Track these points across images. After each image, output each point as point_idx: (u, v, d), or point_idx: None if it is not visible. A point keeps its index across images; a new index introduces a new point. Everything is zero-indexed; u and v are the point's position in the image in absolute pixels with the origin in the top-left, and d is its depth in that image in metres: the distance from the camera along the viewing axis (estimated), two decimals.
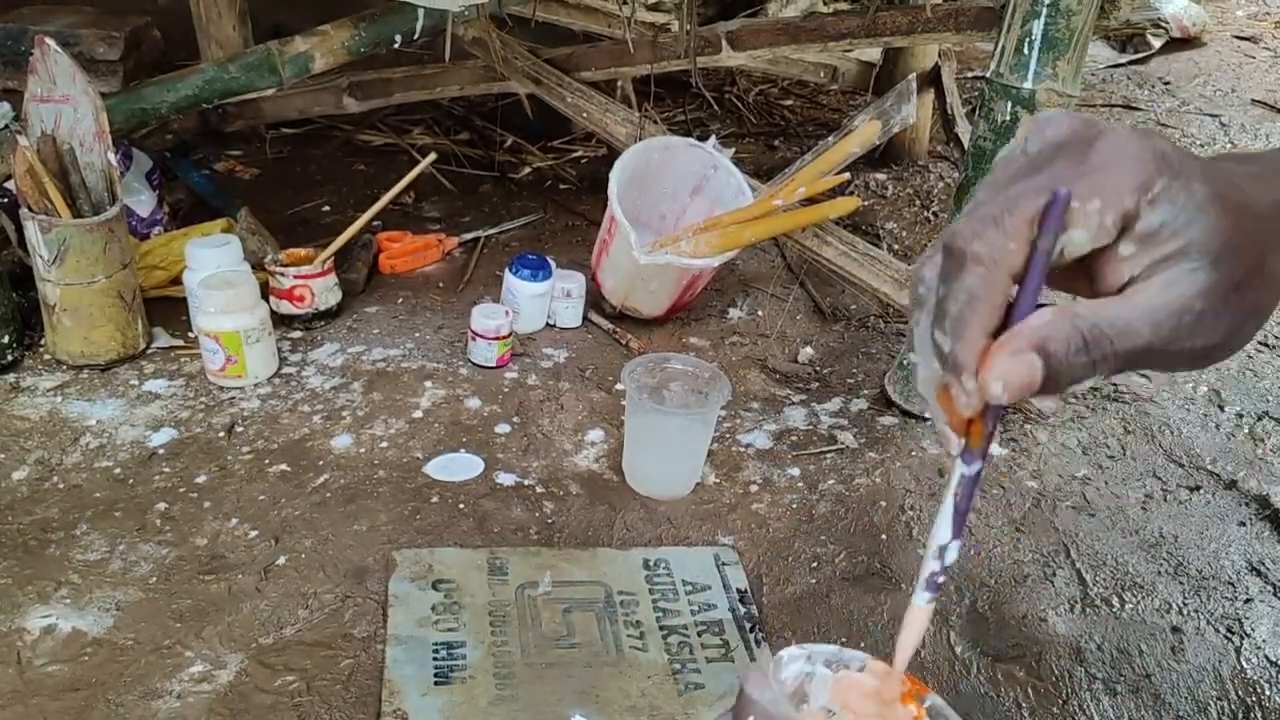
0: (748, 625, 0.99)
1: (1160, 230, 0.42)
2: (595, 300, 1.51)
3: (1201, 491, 1.23)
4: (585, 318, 1.51)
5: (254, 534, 1.08)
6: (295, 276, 1.41)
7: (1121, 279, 0.43)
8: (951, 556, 0.46)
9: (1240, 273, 0.42)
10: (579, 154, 2.09)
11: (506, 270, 1.46)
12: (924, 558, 0.46)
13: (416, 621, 0.97)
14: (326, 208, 1.83)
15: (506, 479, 1.18)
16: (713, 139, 1.54)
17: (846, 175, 1.45)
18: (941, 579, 0.46)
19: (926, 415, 1.31)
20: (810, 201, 1.46)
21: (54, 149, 1.29)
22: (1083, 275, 0.44)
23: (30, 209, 1.24)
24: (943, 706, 0.51)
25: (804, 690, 0.51)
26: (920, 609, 0.47)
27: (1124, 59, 2.77)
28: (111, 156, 1.30)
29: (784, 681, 0.50)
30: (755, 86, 2.45)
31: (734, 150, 1.57)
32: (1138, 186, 0.41)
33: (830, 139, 1.45)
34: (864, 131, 1.43)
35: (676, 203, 1.58)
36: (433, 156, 1.57)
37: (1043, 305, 0.42)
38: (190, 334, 1.39)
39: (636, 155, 1.47)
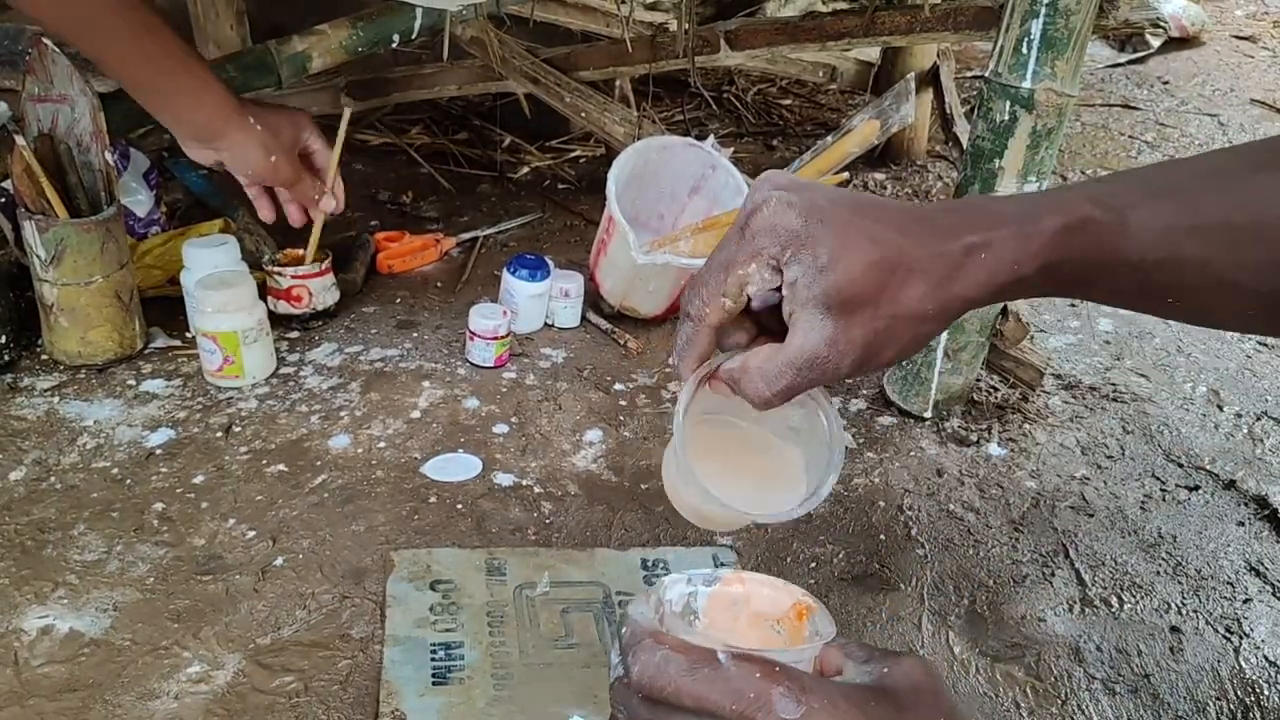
0: None
1: (797, 283, 0.58)
2: (593, 300, 1.51)
3: (1200, 491, 1.23)
4: (583, 317, 1.50)
5: (251, 534, 1.08)
6: (293, 276, 1.41)
7: (789, 319, 0.60)
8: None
9: (862, 320, 0.58)
10: (577, 154, 2.09)
11: (505, 270, 1.46)
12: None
13: (414, 622, 0.96)
14: None
15: (504, 479, 1.18)
16: (711, 138, 1.54)
17: (845, 175, 1.45)
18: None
19: (926, 415, 1.31)
20: None
21: (51, 149, 1.29)
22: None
23: (27, 209, 1.24)
24: (824, 616, 0.58)
25: (691, 607, 0.59)
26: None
27: (1123, 58, 2.77)
28: (109, 156, 1.29)
29: (670, 602, 0.58)
30: (753, 86, 2.45)
31: (733, 150, 1.56)
32: (774, 254, 0.59)
33: (829, 139, 1.45)
34: (862, 131, 1.43)
35: (675, 202, 1.57)
36: (350, 112, 1.46)
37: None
38: (188, 334, 1.39)
39: (634, 155, 1.47)
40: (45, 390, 1.28)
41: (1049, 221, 0.59)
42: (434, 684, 0.90)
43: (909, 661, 0.54)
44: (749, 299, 0.61)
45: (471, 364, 1.38)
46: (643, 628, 0.53)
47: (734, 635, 0.57)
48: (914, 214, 0.60)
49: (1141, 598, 1.07)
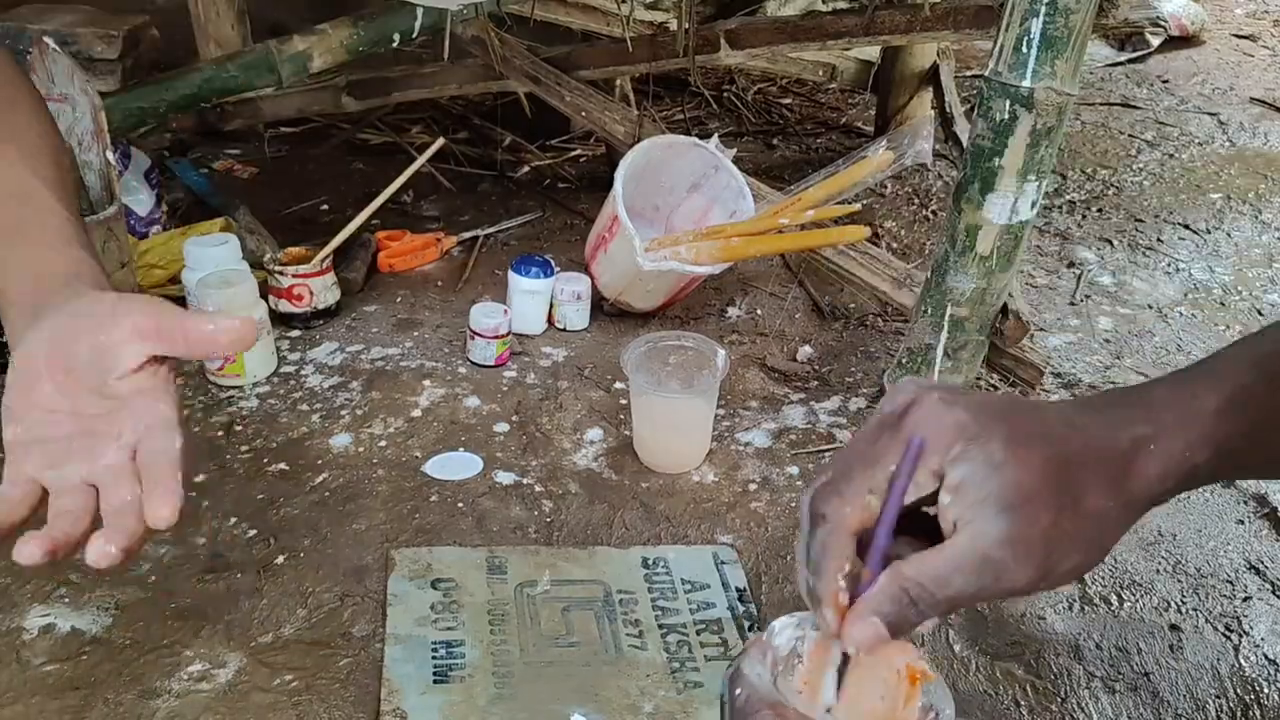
0: (746, 624, 0.99)
1: (964, 483, 0.51)
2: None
3: (1200, 490, 1.23)
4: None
5: (253, 533, 1.08)
6: (294, 275, 1.41)
7: (950, 525, 0.52)
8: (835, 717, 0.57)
9: (1041, 521, 0.51)
10: (578, 153, 2.09)
11: (510, 270, 1.46)
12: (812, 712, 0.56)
13: (415, 620, 0.97)
14: (325, 206, 1.83)
15: (505, 478, 1.18)
16: (715, 139, 1.54)
17: (858, 207, 1.45)
18: None
19: None
20: (817, 225, 1.45)
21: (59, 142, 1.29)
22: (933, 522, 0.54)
23: None
24: (940, 689, 0.56)
25: (798, 652, 0.57)
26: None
27: (1123, 57, 2.77)
28: (110, 155, 1.30)
29: (777, 648, 0.56)
30: (754, 85, 2.45)
31: (734, 151, 1.56)
32: (941, 449, 0.52)
33: (841, 163, 1.45)
34: (876, 161, 1.43)
35: (673, 196, 1.58)
36: (440, 141, 1.56)
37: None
38: None
39: (640, 153, 1.48)
40: None
41: (1208, 400, 0.55)
42: (435, 682, 0.90)
43: None
44: (898, 500, 0.54)
45: (472, 363, 1.38)
46: (760, 695, 0.52)
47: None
48: (1075, 408, 0.56)
49: (1141, 596, 1.07)
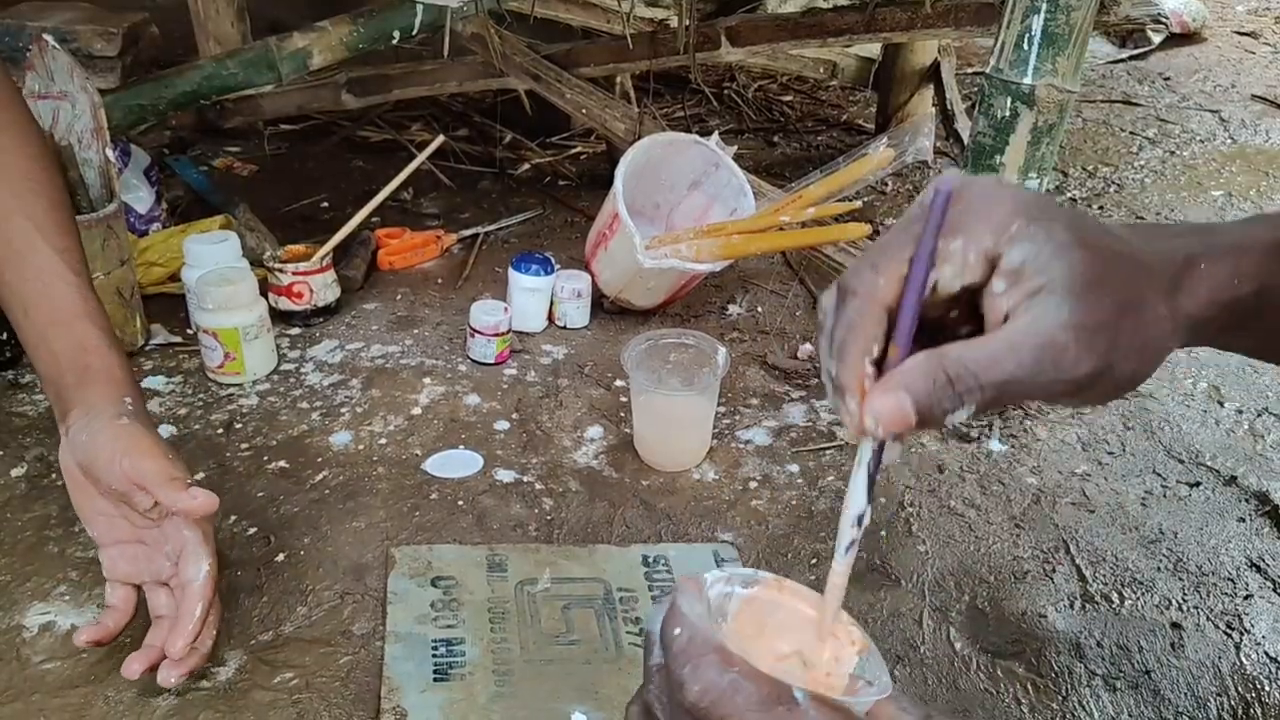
0: None
1: (1023, 267, 0.45)
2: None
3: (1201, 488, 1.23)
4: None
5: (252, 531, 1.08)
6: (294, 273, 1.41)
7: (1000, 316, 0.46)
8: (866, 521, 0.50)
9: (1106, 311, 0.45)
10: (578, 150, 2.08)
11: (510, 268, 1.46)
12: (841, 525, 0.51)
13: (415, 618, 0.97)
14: (325, 204, 1.83)
15: (505, 476, 1.18)
16: (715, 136, 1.54)
17: (859, 204, 1.45)
18: (858, 543, 0.51)
19: None
20: (818, 222, 1.45)
21: (52, 146, 1.29)
22: (977, 319, 0.48)
23: None
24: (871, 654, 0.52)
25: (724, 609, 0.53)
26: (840, 572, 0.52)
27: (1124, 54, 2.76)
28: (110, 153, 1.29)
29: (709, 599, 0.52)
30: (754, 82, 2.45)
31: (735, 148, 1.56)
32: (995, 228, 0.46)
33: (841, 161, 1.45)
34: (878, 159, 1.43)
35: (673, 193, 1.58)
36: (441, 138, 1.56)
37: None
38: (189, 331, 1.39)
39: (640, 151, 1.47)
40: None
41: (1261, 233, 0.52)
42: (435, 680, 0.90)
43: None
44: (918, 282, 0.47)
45: (472, 360, 1.38)
46: (702, 635, 0.47)
47: (758, 644, 0.53)
48: (1124, 225, 0.52)
49: (1142, 594, 1.07)
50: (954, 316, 0.49)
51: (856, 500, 0.50)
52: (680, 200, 1.58)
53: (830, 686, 0.52)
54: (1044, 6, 1.08)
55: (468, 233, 1.73)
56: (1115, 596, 1.07)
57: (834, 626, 0.53)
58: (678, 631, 0.47)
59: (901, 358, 0.46)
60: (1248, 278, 0.51)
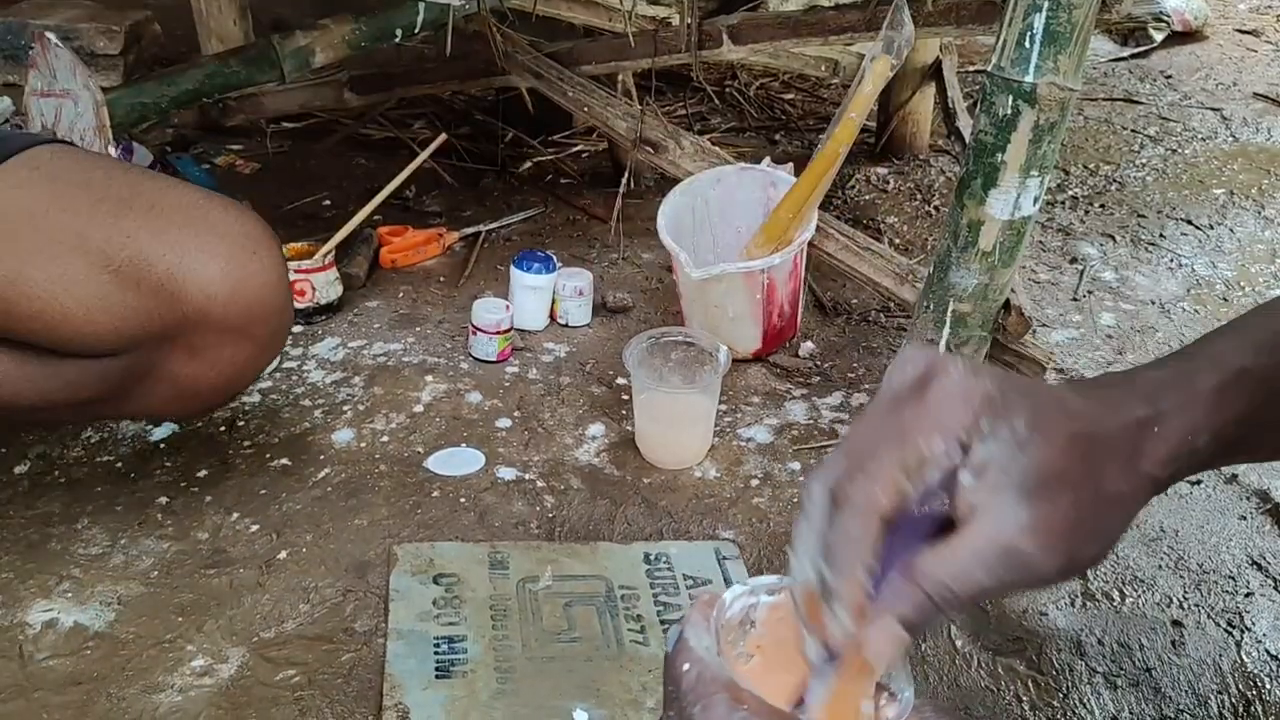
0: None
1: (988, 464, 0.48)
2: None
3: (1202, 486, 1.23)
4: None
5: (255, 528, 1.08)
6: (296, 271, 1.41)
7: (967, 509, 0.48)
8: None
9: (1063, 508, 0.48)
10: (580, 148, 2.08)
11: (512, 266, 1.46)
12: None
13: (417, 616, 0.97)
14: (327, 202, 1.83)
15: (507, 473, 1.18)
16: (766, 160, 1.51)
17: (853, 119, 1.42)
18: None
19: None
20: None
21: None
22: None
23: None
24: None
25: (749, 619, 0.53)
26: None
27: (1125, 53, 2.76)
28: (112, 151, 1.30)
29: (729, 618, 0.52)
30: (756, 80, 2.45)
31: (735, 148, 1.56)
32: (967, 424, 0.48)
33: (851, 89, 1.43)
34: (876, 71, 1.41)
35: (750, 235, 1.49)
36: (443, 137, 1.56)
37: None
38: None
39: (686, 195, 1.44)
40: None
41: (1207, 381, 0.53)
42: (437, 678, 0.90)
43: None
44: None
45: (474, 358, 1.38)
46: (712, 671, 0.47)
47: (789, 652, 0.52)
48: (1082, 388, 0.55)
49: (1143, 592, 1.07)
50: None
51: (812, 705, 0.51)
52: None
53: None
54: (1046, 5, 1.08)
55: (469, 231, 1.73)
56: (1116, 594, 1.07)
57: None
58: (686, 668, 0.48)
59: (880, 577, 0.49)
60: (1201, 430, 0.53)
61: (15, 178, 0.91)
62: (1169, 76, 2.62)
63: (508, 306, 1.39)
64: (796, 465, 1.23)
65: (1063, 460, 0.48)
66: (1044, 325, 1.55)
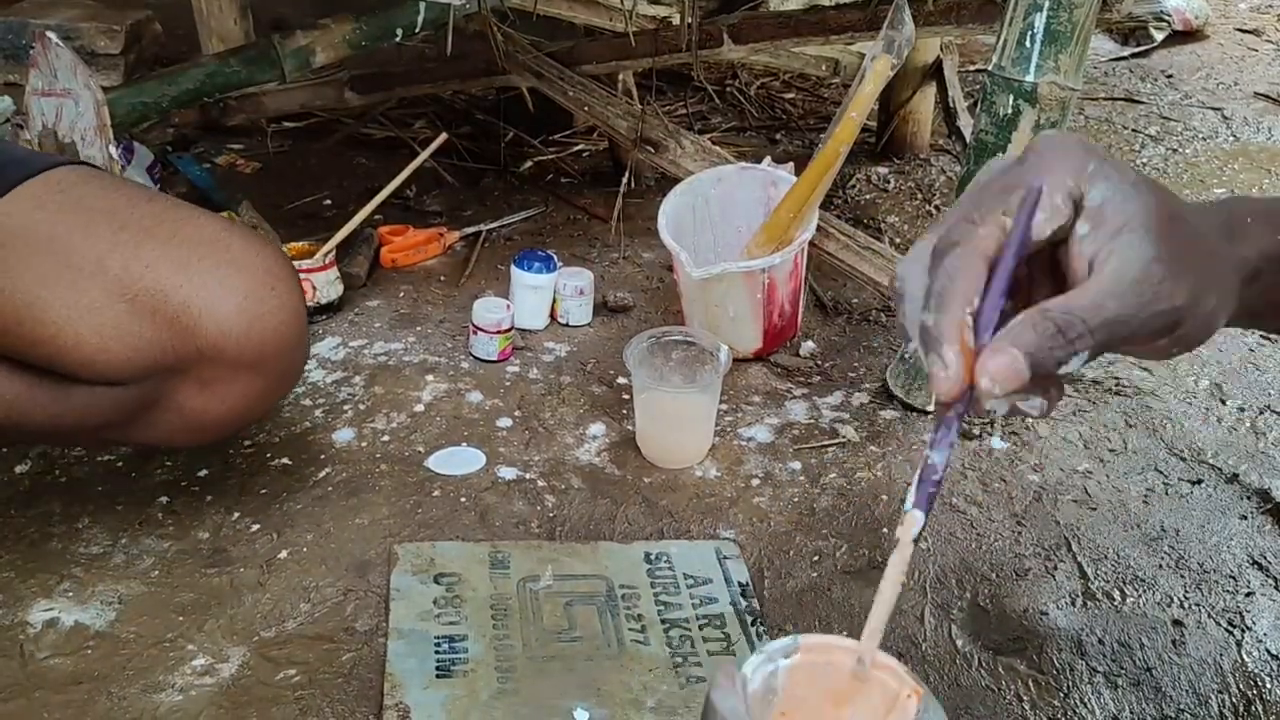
0: (749, 619, 0.99)
1: (1104, 206, 0.47)
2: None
3: (1203, 485, 1.23)
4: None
5: (256, 527, 1.08)
6: (297, 270, 1.41)
7: (1084, 264, 0.47)
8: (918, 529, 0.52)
9: (1184, 245, 0.47)
10: (580, 148, 2.08)
11: (513, 265, 1.46)
12: (898, 542, 0.53)
13: (418, 615, 0.97)
14: (328, 201, 1.83)
15: (508, 473, 1.18)
16: (767, 160, 1.52)
17: (853, 119, 1.41)
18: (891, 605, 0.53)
19: (929, 408, 1.31)
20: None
21: (55, 143, 1.29)
22: (1060, 277, 0.49)
23: None
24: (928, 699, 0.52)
25: (772, 685, 0.52)
26: (887, 588, 0.54)
27: (1126, 52, 2.76)
28: (113, 150, 1.30)
29: (754, 692, 0.51)
30: (756, 80, 2.45)
31: (741, 149, 1.56)
32: (1076, 167, 0.48)
33: (851, 89, 1.42)
34: (877, 71, 1.40)
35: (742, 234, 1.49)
36: (443, 136, 1.56)
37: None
38: None
39: (686, 195, 1.44)
40: None
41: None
42: (438, 677, 0.90)
43: None
44: (1020, 235, 0.48)
45: (475, 358, 1.38)
46: None
47: (814, 710, 0.53)
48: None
49: (1144, 591, 1.07)
50: (1030, 277, 0.51)
51: (912, 507, 0.51)
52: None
53: None
54: (1046, 4, 1.08)
55: (470, 230, 1.73)
56: (1117, 594, 1.07)
57: (890, 678, 0.53)
58: None
59: (994, 317, 0.47)
60: (1264, 267, 0.53)
61: (36, 199, 0.91)
62: (1170, 76, 2.62)
63: (508, 306, 1.39)
64: (797, 465, 1.23)
65: (1173, 209, 0.48)
66: None
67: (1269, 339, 1.54)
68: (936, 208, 1.90)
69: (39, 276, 0.88)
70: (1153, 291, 0.46)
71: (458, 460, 1.20)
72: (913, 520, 0.51)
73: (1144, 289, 0.46)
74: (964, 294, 0.46)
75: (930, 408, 1.31)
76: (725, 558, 1.07)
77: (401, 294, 1.55)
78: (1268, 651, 1.01)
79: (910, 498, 0.50)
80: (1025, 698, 0.94)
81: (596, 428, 1.27)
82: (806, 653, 0.53)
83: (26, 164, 0.93)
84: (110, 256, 0.88)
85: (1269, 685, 0.97)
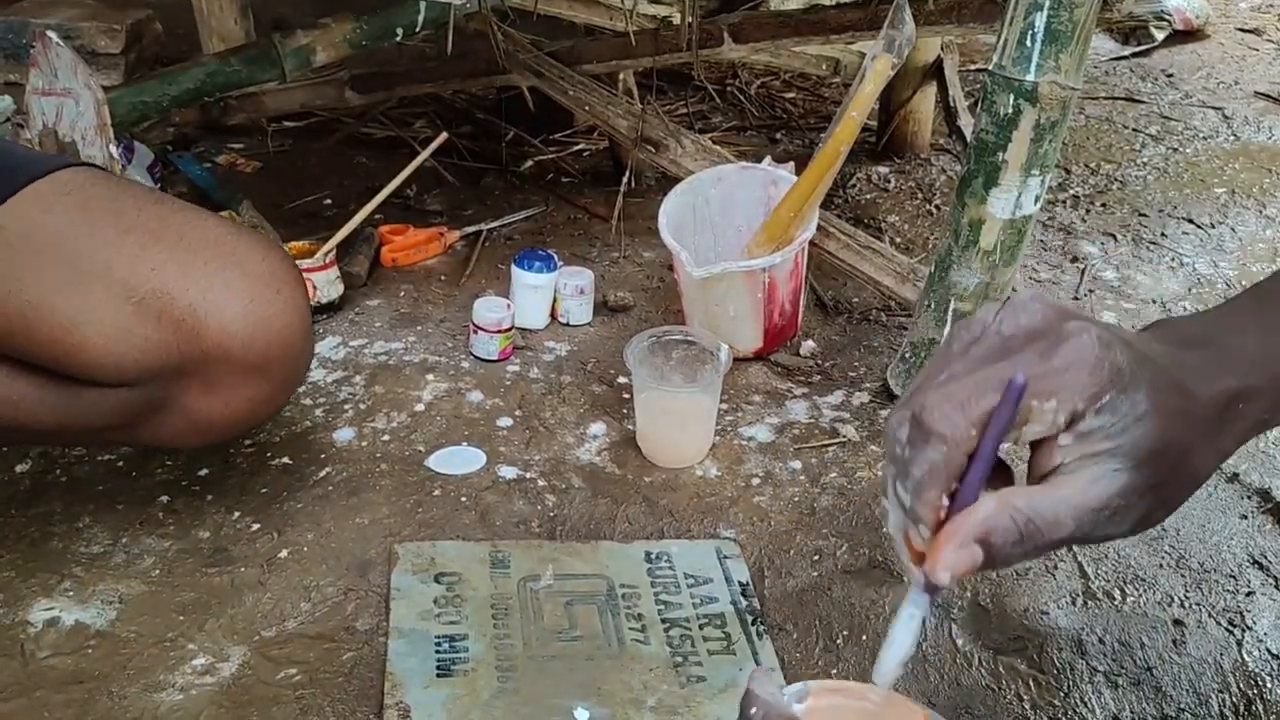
0: (749, 618, 0.99)
1: (1096, 432, 0.49)
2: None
3: (1204, 486, 1.23)
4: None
5: (256, 527, 1.08)
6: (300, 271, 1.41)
7: (1052, 463, 0.51)
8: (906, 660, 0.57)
9: (1158, 476, 0.50)
10: (581, 147, 2.08)
11: (513, 265, 1.46)
12: (884, 660, 0.57)
13: (418, 615, 0.97)
14: (328, 201, 1.83)
15: (508, 472, 1.18)
16: (767, 159, 1.52)
17: (854, 115, 1.41)
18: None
19: None
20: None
21: (56, 143, 1.29)
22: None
23: None
24: None
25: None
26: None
27: (1127, 51, 2.76)
28: (113, 150, 1.30)
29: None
30: (757, 79, 2.45)
31: (741, 148, 1.56)
32: (1090, 396, 0.49)
33: (852, 88, 1.42)
34: (878, 70, 1.40)
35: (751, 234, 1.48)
36: (444, 135, 1.56)
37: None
38: None
39: (686, 194, 1.44)
40: None
41: None
42: (438, 676, 0.90)
43: None
44: (999, 437, 0.51)
45: (475, 357, 1.38)
46: (777, 709, 0.52)
47: None
48: (1182, 343, 0.55)
49: (1144, 591, 1.07)
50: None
51: (902, 643, 0.55)
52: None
53: None
54: (1047, 3, 1.08)
55: (471, 229, 1.73)
56: (1117, 593, 1.07)
57: (897, 705, 0.57)
58: (754, 711, 0.51)
59: (968, 503, 0.50)
60: (1277, 408, 0.55)
61: (44, 201, 0.91)
62: (1170, 75, 2.61)
63: (509, 305, 1.39)
64: (798, 464, 1.23)
65: (1167, 437, 0.49)
66: None
67: None
68: (937, 207, 1.90)
69: (46, 279, 0.88)
70: (1108, 519, 0.50)
71: (458, 460, 1.20)
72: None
73: (1102, 516, 0.49)
74: (942, 486, 0.51)
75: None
76: (725, 557, 1.07)
77: (402, 293, 1.55)
78: (1268, 651, 1.01)
79: (881, 674, 0.56)
80: (1025, 697, 0.94)
81: (597, 427, 1.27)
82: (817, 697, 0.58)
83: (31, 166, 0.93)
84: (117, 259, 0.88)
85: (1270, 685, 0.97)
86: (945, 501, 0.51)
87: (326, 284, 1.44)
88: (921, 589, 0.53)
